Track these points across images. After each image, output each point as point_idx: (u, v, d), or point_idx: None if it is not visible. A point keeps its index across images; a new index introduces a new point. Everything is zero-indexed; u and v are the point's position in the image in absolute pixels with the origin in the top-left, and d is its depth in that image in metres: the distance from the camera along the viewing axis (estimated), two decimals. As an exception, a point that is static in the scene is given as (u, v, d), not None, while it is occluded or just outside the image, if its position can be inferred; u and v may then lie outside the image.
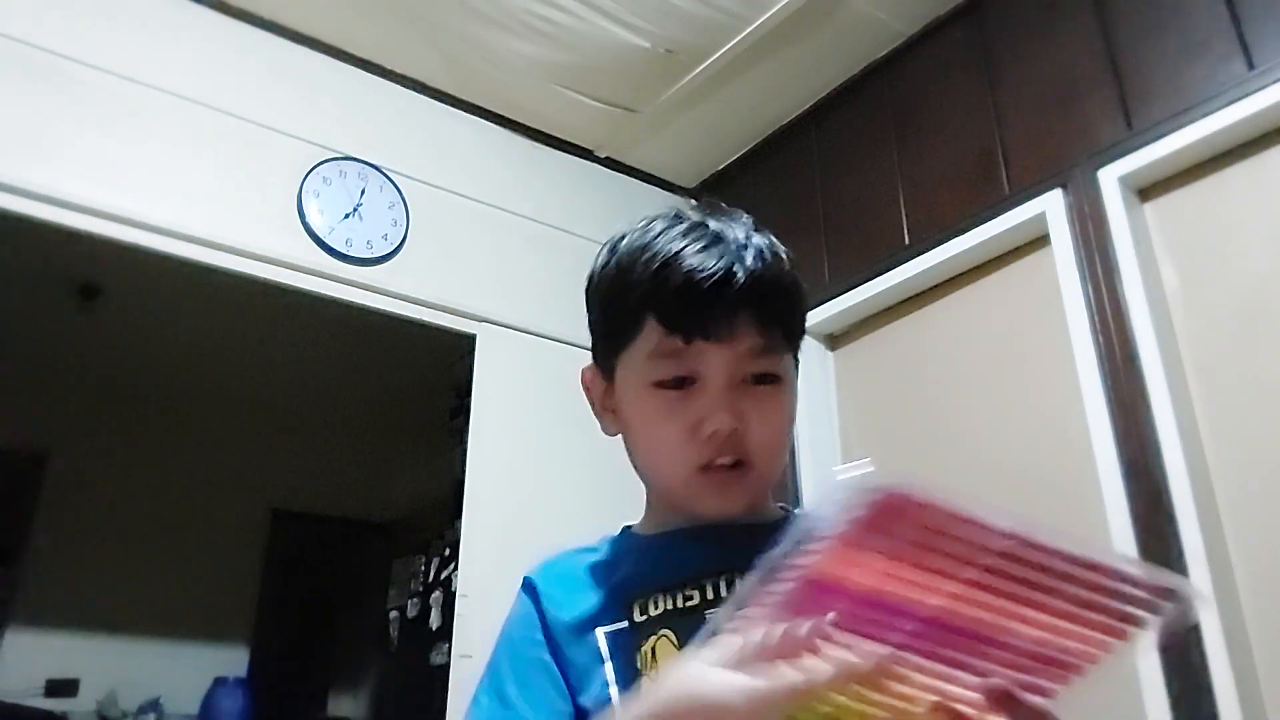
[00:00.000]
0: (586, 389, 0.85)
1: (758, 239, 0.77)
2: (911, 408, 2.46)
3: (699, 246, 0.74)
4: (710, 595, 0.74)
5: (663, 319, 0.74)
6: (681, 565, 0.76)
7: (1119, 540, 1.85)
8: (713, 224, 0.77)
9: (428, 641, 3.82)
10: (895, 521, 0.44)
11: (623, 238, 0.81)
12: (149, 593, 4.56)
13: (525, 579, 0.81)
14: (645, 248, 0.76)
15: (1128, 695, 1.78)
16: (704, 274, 0.72)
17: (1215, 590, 1.70)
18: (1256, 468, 1.77)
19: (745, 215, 0.81)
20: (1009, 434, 2.20)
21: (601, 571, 0.80)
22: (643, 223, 0.80)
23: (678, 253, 0.74)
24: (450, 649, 2.42)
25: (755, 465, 0.76)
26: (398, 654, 4.50)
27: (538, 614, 0.78)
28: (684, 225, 0.77)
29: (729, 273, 0.73)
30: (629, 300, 0.76)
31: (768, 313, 0.75)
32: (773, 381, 0.76)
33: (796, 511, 0.87)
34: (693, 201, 0.78)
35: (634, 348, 0.77)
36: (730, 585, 0.74)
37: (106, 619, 4.43)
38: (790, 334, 0.79)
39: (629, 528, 0.86)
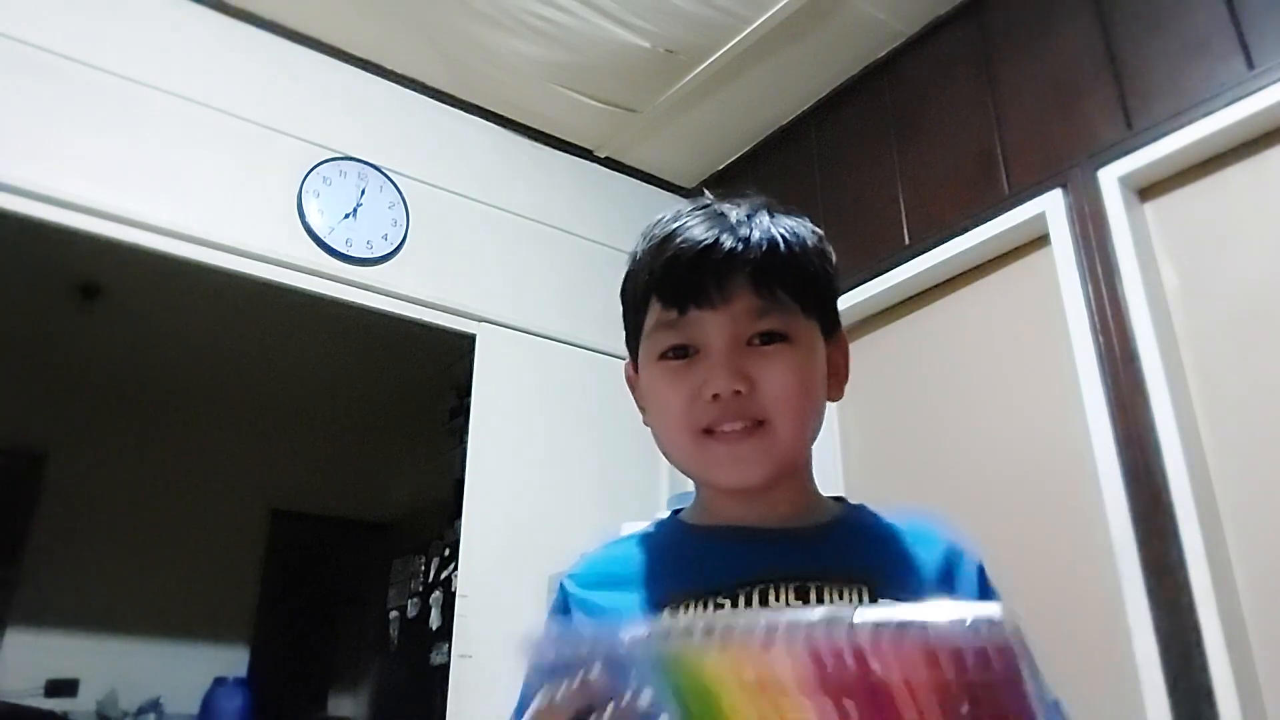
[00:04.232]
0: (629, 385, 0.85)
1: (766, 216, 0.78)
2: (911, 408, 2.46)
3: (694, 222, 0.77)
4: (743, 606, 0.72)
5: (659, 294, 0.76)
6: (719, 569, 0.75)
7: (1119, 540, 1.85)
8: (721, 206, 0.79)
9: (428, 641, 3.83)
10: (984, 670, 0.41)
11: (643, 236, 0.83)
12: (149, 593, 4.56)
13: (561, 585, 0.80)
14: (650, 235, 0.80)
15: (1128, 695, 1.78)
16: (691, 244, 0.75)
17: (1215, 590, 1.70)
18: (1256, 468, 1.77)
19: (763, 199, 0.82)
20: (1009, 434, 2.20)
21: (642, 567, 0.79)
22: (662, 216, 0.82)
23: (673, 230, 0.77)
24: (450, 649, 2.42)
25: (773, 422, 0.74)
26: (398, 654, 4.51)
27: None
28: (692, 208, 0.79)
29: (717, 240, 0.74)
30: (637, 286, 0.79)
31: (764, 273, 0.74)
32: (781, 340, 0.75)
33: (856, 505, 0.84)
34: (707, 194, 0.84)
35: (645, 329, 0.79)
36: (764, 598, 0.73)
37: (106, 619, 4.43)
38: (799, 293, 0.76)
39: (679, 512, 0.85)
